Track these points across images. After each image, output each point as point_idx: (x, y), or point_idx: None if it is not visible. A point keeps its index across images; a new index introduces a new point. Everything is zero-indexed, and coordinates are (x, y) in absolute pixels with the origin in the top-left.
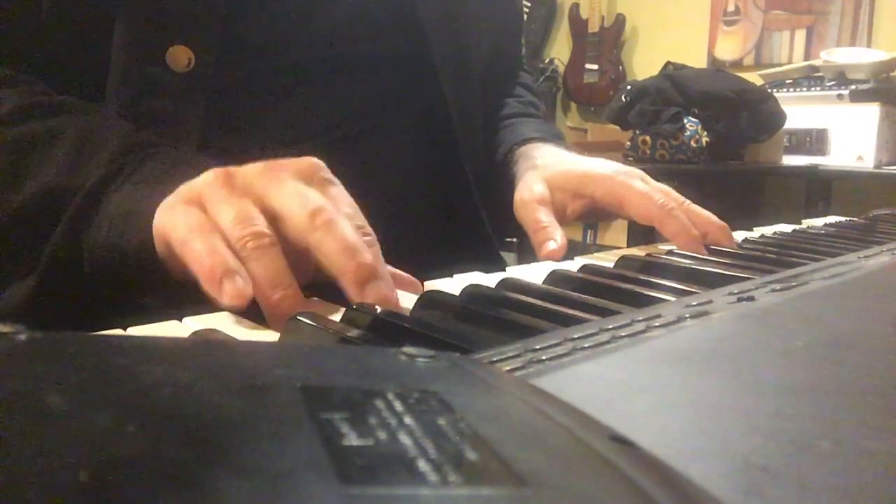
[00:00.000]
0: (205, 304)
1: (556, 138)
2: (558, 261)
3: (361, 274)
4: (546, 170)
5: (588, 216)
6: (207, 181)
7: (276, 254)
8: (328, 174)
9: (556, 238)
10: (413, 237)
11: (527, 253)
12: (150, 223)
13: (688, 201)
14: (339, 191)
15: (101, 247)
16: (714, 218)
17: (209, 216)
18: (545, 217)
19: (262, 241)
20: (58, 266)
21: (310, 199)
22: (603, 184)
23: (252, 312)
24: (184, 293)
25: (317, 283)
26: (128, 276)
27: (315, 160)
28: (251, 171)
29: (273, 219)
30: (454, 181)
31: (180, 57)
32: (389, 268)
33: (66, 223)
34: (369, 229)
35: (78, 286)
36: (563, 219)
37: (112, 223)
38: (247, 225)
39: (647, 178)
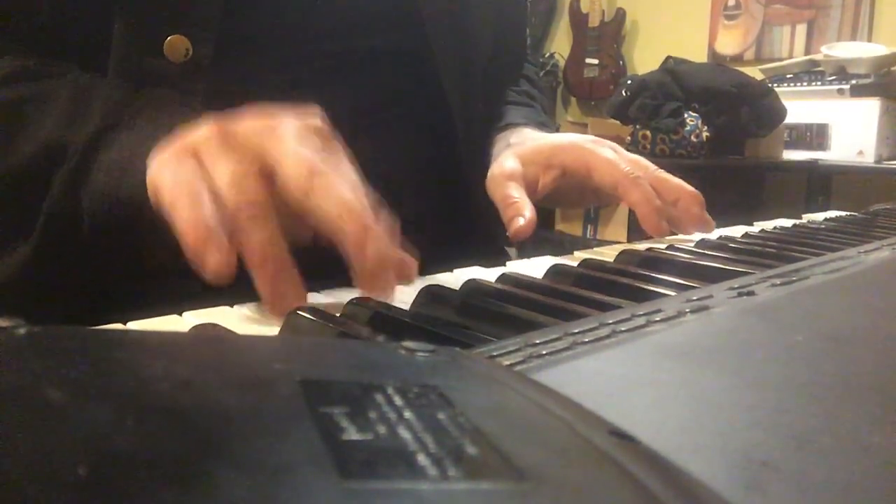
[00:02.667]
0: (205, 299)
1: (540, 125)
2: (527, 236)
3: (360, 235)
4: (519, 147)
5: (561, 192)
6: (204, 134)
7: (270, 226)
8: (330, 134)
9: (524, 214)
10: (414, 232)
11: (527, 247)
12: (144, 170)
13: (660, 170)
14: (339, 153)
15: (98, 195)
16: (686, 186)
17: (204, 172)
18: (515, 192)
19: (255, 210)
20: (56, 222)
21: (308, 159)
22: (572, 152)
23: (250, 296)
24: (182, 286)
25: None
26: (126, 225)
27: (317, 118)
28: (250, 127)
29: (270, 177)
30: (455, 176)
31: (178, 47)
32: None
33: (65, 175)
34: (368, 194)
35: (76, 246)
36: (535, 192)
37: (109, 171)
38: (241, 191)
39: (619, 148)
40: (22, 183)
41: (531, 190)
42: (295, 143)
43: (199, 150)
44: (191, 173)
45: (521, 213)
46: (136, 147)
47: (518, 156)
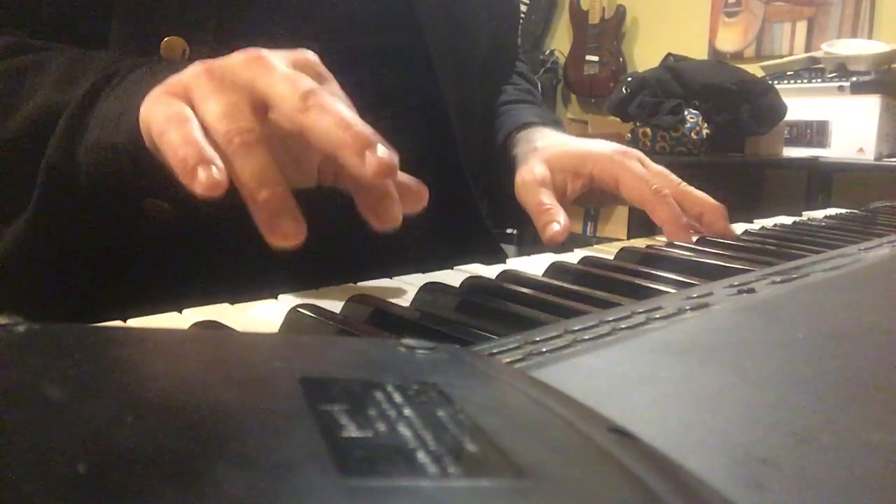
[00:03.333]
0: (205, 296)
1: (555, 123)
2: (561, 242)
3: (360, 142)
4: (546, 151)
5: (587, 197)
6: (193, 73)
7: (262, 151)
8: (323, 69)
9: (559, 220)
10: (412, 230)
11: (527, 244)
12: (137, 114)
13: (684, 183)
14: (333, 86)
15: (94, 145)
16: (710, 199)
17: (195, 110)
18: (547, 199)
19: (247, 136)
20: (54, 181)
21: (300, 81)
22: (600, 163)
23: (250, 294)
24: (182, 284)
25: (315, 278)
26: (123, 174)
27: (309, 54)
28: (239, 61)
29: (263, 108)
30: (452, 175)
31: (175, 48)
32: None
33: (60, 133)
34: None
35: (75, 202)
36: (562, 199)
37: (104, 122)
38: (232, 120)
39: (646, 159)
40: (20, 148)
41: (560, 195)
42: (286, 69)
43: (189, 88)
44: (179, 107)
45: (556, 219)
46: (129, 98)
47: (546, 161)
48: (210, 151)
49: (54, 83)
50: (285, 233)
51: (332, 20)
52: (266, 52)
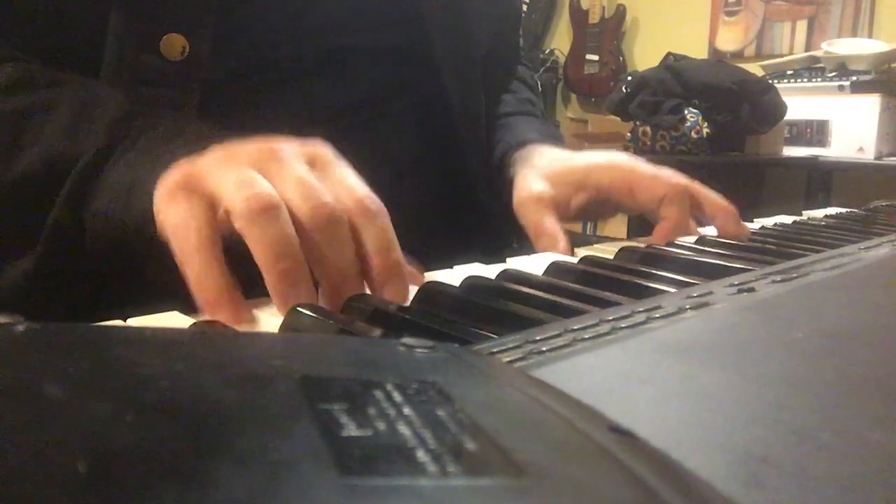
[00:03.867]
0: None
1: (555, 139)
2: None
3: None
4: (545, 167)
5: (590, 210)
6: (208, 162)
7: (284, 218)
8: (330, 156)
9: (558, 247)
10: (414, 229)
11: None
12: (151, 197)
13: (695, 183)
14: (343, 172)
15: (103, 216)
16: (721, 201)
17: (212, 195)
18: (548, 221)
19: (267, 200)
20: (59, 237)
21: (313, 191)
22: (610, 172)
23: (250, 293)
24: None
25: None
26: (129, 249)
27: (321, 145)
28: (254, 152)
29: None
30: (456, 172)
31: (175, 45)
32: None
33: (67, 193)
34: (372, 198)
35: (79, 260)
36: (565, 213)
37: (113, 194)
38: (251, 188)
39: (652, 164)
40: (23, 194)
41: (562, 210)
42: (299, 168)
43: (203, 176)
44: (199, 216)
45: (555, 247)
46: (141, 169)
47: (546, 177)
48: (231, 288)
49: (61, 131)
50: (296, 302)
51: (335, 17)
52: (282, 148)
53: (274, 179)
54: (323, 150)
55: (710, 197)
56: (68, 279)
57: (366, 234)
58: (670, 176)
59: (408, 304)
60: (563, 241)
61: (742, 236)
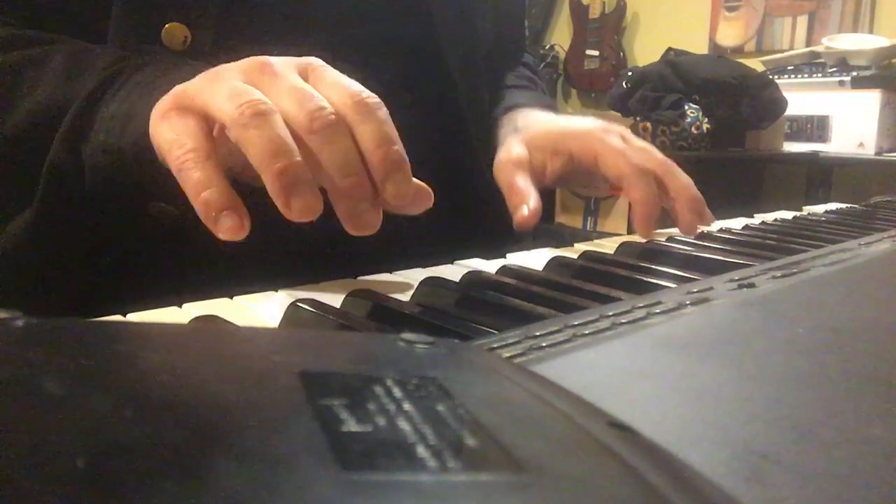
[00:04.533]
0: (205, 290)
1: (545, 106)
2: (532, 225)
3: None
4: (526, 131)
5: (569, 177)
6: (198, 82)
7: (277, 120)
8: (321, 64)
9: (529, 203)
10: (417, 224)
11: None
12: (146, 122)
13: (669, 162)
14: (331, 74)
15: (100, 148)
16: (689, 186)
17: (206, 110)
18: (520, 180)
19: (260, 107)
20: (58, 178)
21: (307, 99)
22: (580, 139)
23: (250, 288)
24: (182, 277)
25: (315, 273)
26: (128, 178)
27: (313, 59)
28: (245, 67)
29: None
30: (461, 167)
31: (176, 35)
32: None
33: (65, 132)
34: (367, 94)
35: (79, 204)
36: (542, 178)
37: (109, 126)
38: (242, 96)
39: (629, 135)
40: (22, 143)
41: (539, 175)
42: (292, 78)
43: (195, 95)
44: (194, 132)
45: (526, 202)
46: (135, 100)
47: (525, 141)
48: (232, 195)
49: (57, 79)
50: (302, 206)
51: (339, 9)
52: (271, 59)
53: (267, 91)
54: (314, 60)
55: (677, 180)
56: (65, 237)
57: (363, 130)
58: (638, 152)
59: (409, 200)
60: (534, 196)
61: (703, 224)
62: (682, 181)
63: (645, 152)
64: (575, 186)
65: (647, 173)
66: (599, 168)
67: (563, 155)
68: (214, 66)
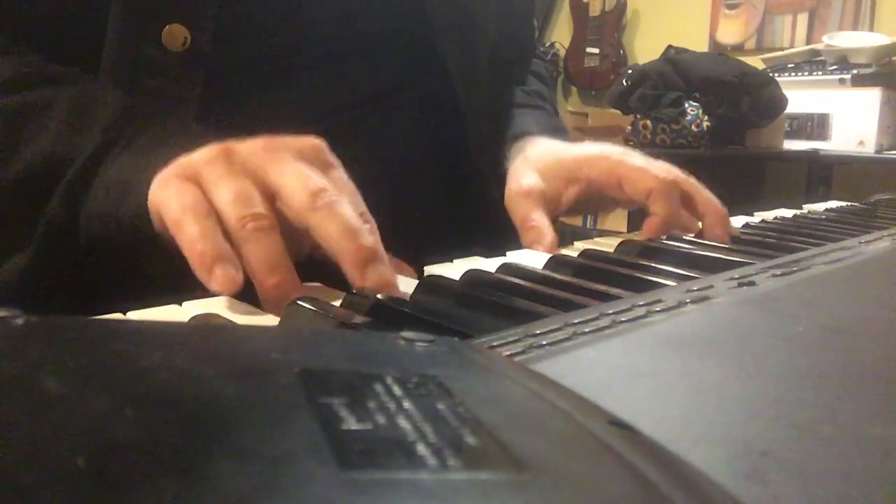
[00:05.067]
0: (205, 289)
1: (556, 131)
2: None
3: (362, 256)
4: (538, 160)
5: (583, 204)
6: (205, 157)
7: (275, 237)
8: (330, 156)
9: (544, 241)
10: (417, 221)
11: None
12: (146, 193)
13: (690, 178)
14: (340, 174)
15: (98, 215)
16: (714, 201)
17: (206, 194)
18: (535, 214)
19: (261, 223)
20: (54, 236)
21: (311, 179)
22: (598, 164)
23: (250, 296)
24: (182, 277)
25: (314, 267)
26: (123, 247)
27: (317, 141)
28: (251, 148)
29: (272, 198)
30: (459, 166)
31: (176, 36)
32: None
33: (63, 192)
34: (369, 216)
35: (74, 258)
36: (557, 208)
37: (108, 192)
38: (245, 206)
39: (647, 157)
40: (20, 193)
41: (553, 205)
42: (297, 163)
43: (200, 175)
44: (194, 195)
45: (541, 241)
46: (136, 168)
47: (538, 170)
48: (227, 248)
49: (59, 130)
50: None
51: (338, 8)
52: (278, 142)
53: (271, 172)
54: (320, 149)
55: (703, 194)
56: (62, 277)
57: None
58: (660, 169)
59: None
60: (549, 234)
61: (724, 241)
62: (707, 196)
63: (669, 169)
64: (585, 212)
65: (675, 187)
66: (625, 189)
67: (581, 183)
68: (217, 135)
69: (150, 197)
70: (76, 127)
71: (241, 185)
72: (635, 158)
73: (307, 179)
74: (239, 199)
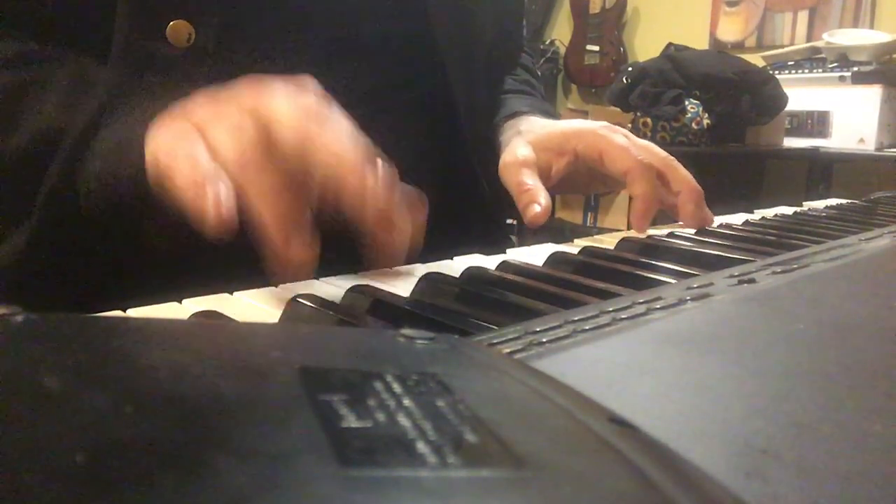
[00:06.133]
0: (205, 286)
1: (545, 112)
2: (542, 223)
3: (358, 187)
4: (530, 133)
5: (574, 178)
6: (198, 103)
7: (278, 175)
8: (320, 92)
9: (539, 201)
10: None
11: (526, 236)
12: (142, 147)
13: (671, 157)
14: (331, 104)
15: (96, 177)
16: (690, 179)
17: (202, 138)
18: (529, 179)
19: (260, 163)
20: (54, 206)
21: (302, 107)
22: (585, 137)
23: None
24: (185, 275)
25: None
26: (124, 205)
27: (309, 81)
28: (243, 91)
29: (268, 141)
30: (459, 165)
31: (181, 32)
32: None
33: (62, 160)
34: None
35: (74, 232)
36: (548, 179)
37: (106, 154)
38: (240, 139)
39: (630, 135)
40: (21, 167)
41: (544, 176)
42: (287, 96)
43: (194, 119)
44: (188, 139)
45: (537, 200)
46: (133, 129)
47: (530, 143)
48: (221, 184)
49: (57, 104)
50: (297, 257)
51: (338, 6)
52: (268, 83)
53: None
54: (309, 84)
55: (679, 172)
56: (61, 258)
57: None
58: (642, 149)
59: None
60: (543, 194)
61: (701, 222)
62: (683, 174)
63: (648, 149)
64: (573, 191)
65: (651, 169)
66: (605, 165)
67: (569, 154)
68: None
69: (146, 148)
70: (75, 101)
71: (234, 120)
72: (618, 136)
73: (298, 107)
74: (233, 134)
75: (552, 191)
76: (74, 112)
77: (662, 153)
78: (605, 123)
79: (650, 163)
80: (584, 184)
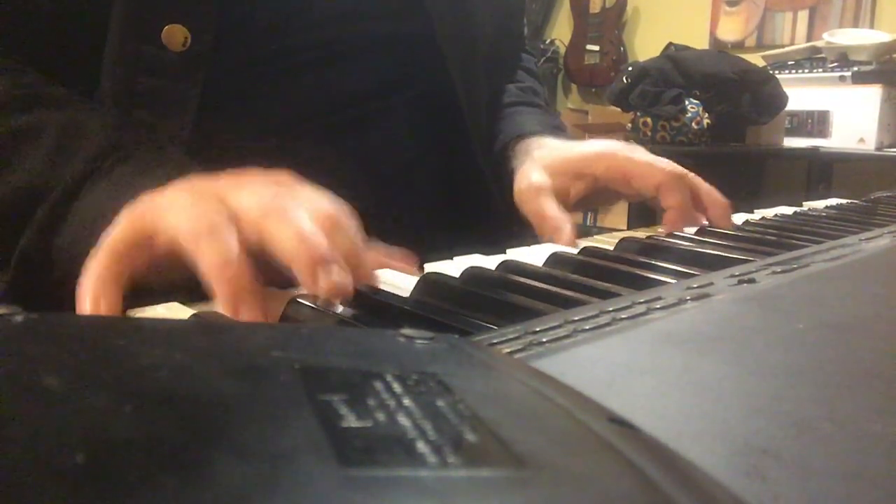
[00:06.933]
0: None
1: (556, 129)
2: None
3: (310, 269)
4: (544, 158)
5: (590, 199)
6: (169, 190)
7: (233, 242)
8: (291, 179)
9: (564, 231)
10: (418, 219)
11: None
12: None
13: (692, 174)
14: (307, 190)
15: (69, 245)
16: (716, 193)
17: (157, 223)
18: (549, 208)
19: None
20: (28, 266)
21: (259, 202)
22: (605, 160)
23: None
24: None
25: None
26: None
27: (284, 174)
28: (216, 180)
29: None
30: (459, 164)
31: (176, 36)
32: (383, 246)
33: (38, 225)
34: (343, 219)
35: (49, 287)
36: (565, 204)
37: (81, 225)
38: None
39: (648, 153)
40: (2, 217)
41: (562, 201)
42: (253, 192)
43: (160, 205)
44: (127, 234)
45: (561, 231)
46: (110, 200)
47: (545, 167)
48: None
49: (43, 158)
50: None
51: (339, 7)
52: (243, 177)
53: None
54: (282, 176)
55: (705, 187)
56: (43, 297)
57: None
58: (667, 163)
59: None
60: (568, 224)
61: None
62: (708, 188)
63: (671, 163)
64: (590, 208)
65: (683, 178)
66: (633, 184)
67: (588, 179)
68: (202, 166)
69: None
70: (61, 156)
71: (202, 209)
72: (640, 154)
73: (256, 203)
74: (199, 209)
75: (571, 212)
76: (59, 170)
77: (684, 170)
78: (622, 143)
79: (682, 173)
80: (599, 201)
